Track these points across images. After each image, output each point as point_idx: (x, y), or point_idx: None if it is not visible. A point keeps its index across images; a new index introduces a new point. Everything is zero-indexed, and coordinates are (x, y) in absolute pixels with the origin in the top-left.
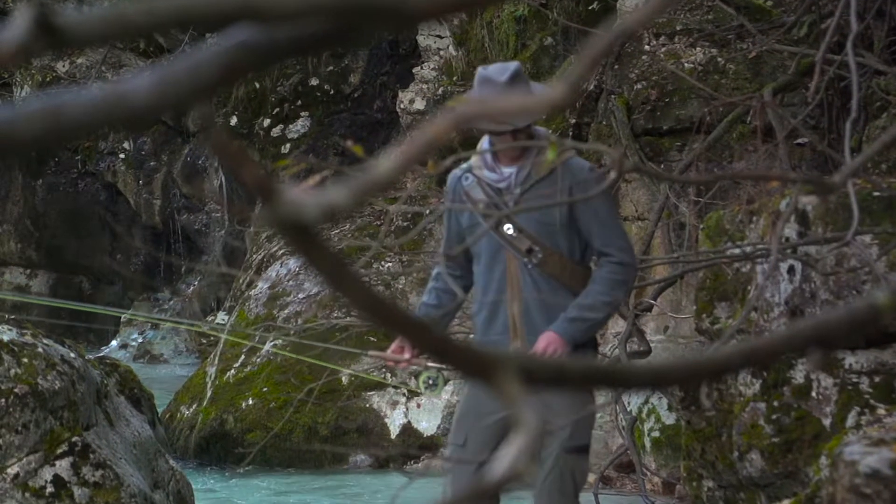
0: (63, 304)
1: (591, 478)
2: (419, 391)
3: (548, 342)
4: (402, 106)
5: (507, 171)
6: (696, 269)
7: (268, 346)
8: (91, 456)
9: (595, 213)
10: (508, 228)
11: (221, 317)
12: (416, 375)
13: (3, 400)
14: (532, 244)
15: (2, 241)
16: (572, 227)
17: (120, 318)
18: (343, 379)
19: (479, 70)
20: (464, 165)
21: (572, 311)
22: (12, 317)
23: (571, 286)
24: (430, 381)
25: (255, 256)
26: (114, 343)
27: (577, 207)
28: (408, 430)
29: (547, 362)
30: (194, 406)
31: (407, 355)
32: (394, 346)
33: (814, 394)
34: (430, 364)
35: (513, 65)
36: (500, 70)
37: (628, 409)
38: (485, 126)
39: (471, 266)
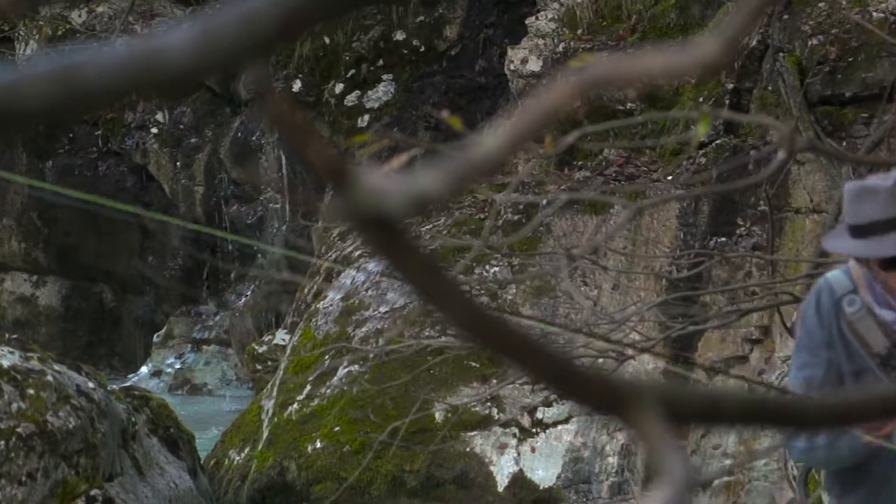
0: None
1: None
2: None
3: None
4: (511, 67)
5: None
6: None
7: (341, 373)
8: None
9: None
10: None
11: (281, 336)
12: None
13: (2, 442)
14: None
15: (1, 241)
16: None
17: (152, 336)
18: (437, 415)
19: (851, 184)
20: (841, 280)
21: None
22: (14, 336)
23: None
24: None
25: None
26: (144, 369)
27: None
28: (519, 480)
29: (698, 394)
30: (247, 450)
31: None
32: None
33: None
34: None
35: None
36: (881, 177)
37: None
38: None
39: None
